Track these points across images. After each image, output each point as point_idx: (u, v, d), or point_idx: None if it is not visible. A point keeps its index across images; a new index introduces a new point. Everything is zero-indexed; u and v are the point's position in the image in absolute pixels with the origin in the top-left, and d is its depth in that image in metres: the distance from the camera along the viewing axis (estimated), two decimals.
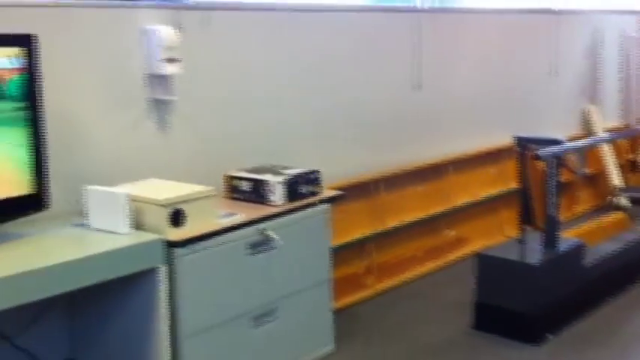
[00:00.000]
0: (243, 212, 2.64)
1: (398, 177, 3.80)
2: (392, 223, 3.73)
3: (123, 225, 2.33)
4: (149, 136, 2.83)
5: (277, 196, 2.74)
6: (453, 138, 4.19)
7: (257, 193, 2.78)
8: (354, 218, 3.57)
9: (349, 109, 3.64)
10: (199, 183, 2.60)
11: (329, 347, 2.96)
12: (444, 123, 4.16)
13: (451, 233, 4.06)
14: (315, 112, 3.48)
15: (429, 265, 3.91)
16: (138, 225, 2.36)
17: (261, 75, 3.21)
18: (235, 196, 2.85)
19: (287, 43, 3.32)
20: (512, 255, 3.16)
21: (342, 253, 3.43)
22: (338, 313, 3.24)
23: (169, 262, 2.33)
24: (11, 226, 2.31)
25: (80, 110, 2.63)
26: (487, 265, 3.17)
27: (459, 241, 4.09)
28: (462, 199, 4.10)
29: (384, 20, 3.80)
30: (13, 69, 2.21)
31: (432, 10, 4.09)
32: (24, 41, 2.24)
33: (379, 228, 3.66)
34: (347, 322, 3.24)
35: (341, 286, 3.38)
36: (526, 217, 3.33)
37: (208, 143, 3.02)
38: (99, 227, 2.37)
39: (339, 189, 3.14)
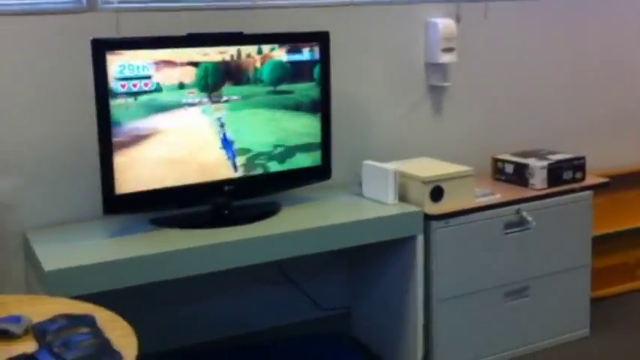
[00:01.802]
0: (503, 193, 2.84)
1: None
2: None
3: (390, 196, 2.67)
4: (425, 118, 3.15)
5: (537, 179, 2.87)
6: None
7: (519, 175, 2.94)
8: (629, 207, 3.52)
9: (632, 98, 3.58)
10: (469, 163, 2.83)
11: (584, 331, 3.03)
12: None
13: None
14: (592, 101, 3.49)
15: None
16: (403, 197, 2.69)
17: (535, 63, 3.33)
18: (500, 177, 3.04)
19: (565, 31, 3.38)
20: None
21: (612, 242, 3.42)
22: (601, 300, 3.27)
23: (426, 232, 2.63)
24: (303, 191, 2.81)
25: (368, 95, 3.02)
26: None
27: None
28: None
29: None
30: (313, 60, 2.66)
31: None
32: (320, 37, 2.68)
33: None
34: (610, 310, 3.25)
35: (608, 274, 3.38)
36: None
37: (479, 126, 3.24)
38: (371, 197, 2.74)
39: (613, 177, 3.15)
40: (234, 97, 2.50)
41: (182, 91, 2.41)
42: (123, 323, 1.60)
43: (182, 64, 2.40)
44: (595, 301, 3.18)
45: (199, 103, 2.44)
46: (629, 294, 3.43)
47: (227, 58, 2.48)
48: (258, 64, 2.54)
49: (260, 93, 2.55)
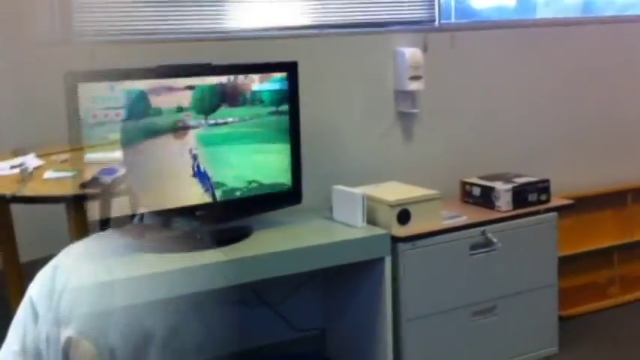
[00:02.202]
0: (470, 215, 2.92)
1: None
2: None
3: (359, 220, 2.75)
4: (394, 144, 3.24)
5: (503, 202, 2.96)
6: None
7: (486, 198, 3.03)
8: (599, 227, 3.61)
9: (596, 122, 3.68)
10: (439, 187, 2.91)
11: (552, 349, 3.10)
12: None
13: None
14: (560, 125, 3.59)
15: None
16: (372, 220, 2.77)
17: (500, 89, 3.43)
18: (468, 200, 3.13)
19: (528, 59, 3.49)
20: None
21: (584, 261, 3.50)
22: (572, 318, 3.34)
23: (394, 254, 2.71)
24: (274, 215, 2.88)
25: (338, 121, 3.12)
26: None
27: None
28: None
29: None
30: (281, 89, 2.76)
31: None
32: (289, 67, 2.77)
33: (626, 239, 3.64)
34: (580, 328, 3.32)
35: (579, 293, 3.46)
36: None
37: (448, 150, 3.33)
38: (340, 220, 2.82)
39: (581, 198, 3.24)
40: (230, 119, 2.57)
41: (177, 115, 2.47)
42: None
43: (180, 89, 2.48)
44: (565, 320, 3.25)
45: (186, 127, 2.51)
46: (599, 312, 3.50)
47: (223, 80, 2.56)
48: (256, 86, 2.62)
49: (260, 114, 2.63)
